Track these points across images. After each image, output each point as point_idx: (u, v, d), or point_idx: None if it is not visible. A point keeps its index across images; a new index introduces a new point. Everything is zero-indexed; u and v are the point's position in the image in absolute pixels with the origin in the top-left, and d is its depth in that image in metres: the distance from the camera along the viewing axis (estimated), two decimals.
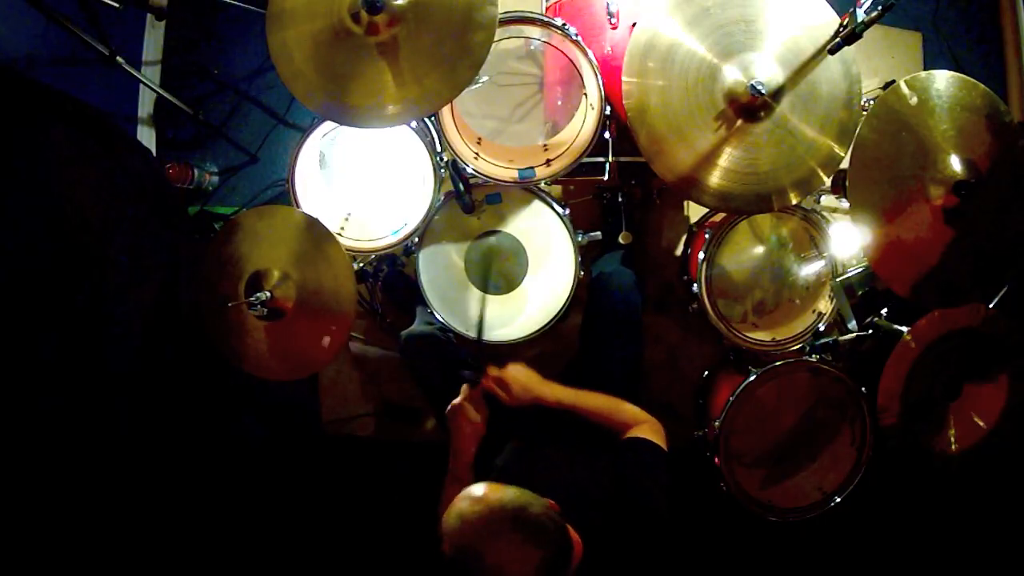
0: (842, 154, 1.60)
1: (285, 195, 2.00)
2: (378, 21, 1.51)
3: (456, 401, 1.67)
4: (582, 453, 1.60)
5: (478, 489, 1.23)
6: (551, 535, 1.18)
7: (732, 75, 1.55)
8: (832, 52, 1.50)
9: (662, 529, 1.43)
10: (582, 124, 1.94)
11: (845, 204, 1.90)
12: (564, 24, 1.79)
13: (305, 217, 1.77)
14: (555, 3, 2.04)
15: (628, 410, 1.65)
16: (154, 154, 2.66)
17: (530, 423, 1.79)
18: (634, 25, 1.69)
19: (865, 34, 1.43)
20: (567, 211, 2.00)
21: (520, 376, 1.67)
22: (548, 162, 1.95)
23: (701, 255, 1.96)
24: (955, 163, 1.58)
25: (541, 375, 1.70)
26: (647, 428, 1.59)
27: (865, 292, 1.91)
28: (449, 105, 1.93)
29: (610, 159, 1.93)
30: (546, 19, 1.80)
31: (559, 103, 2.16)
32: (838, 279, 1.91)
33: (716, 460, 1.92)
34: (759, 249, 2.06)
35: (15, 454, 1.71)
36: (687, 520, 2.27)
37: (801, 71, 1.56)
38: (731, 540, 2.35)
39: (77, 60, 2.52)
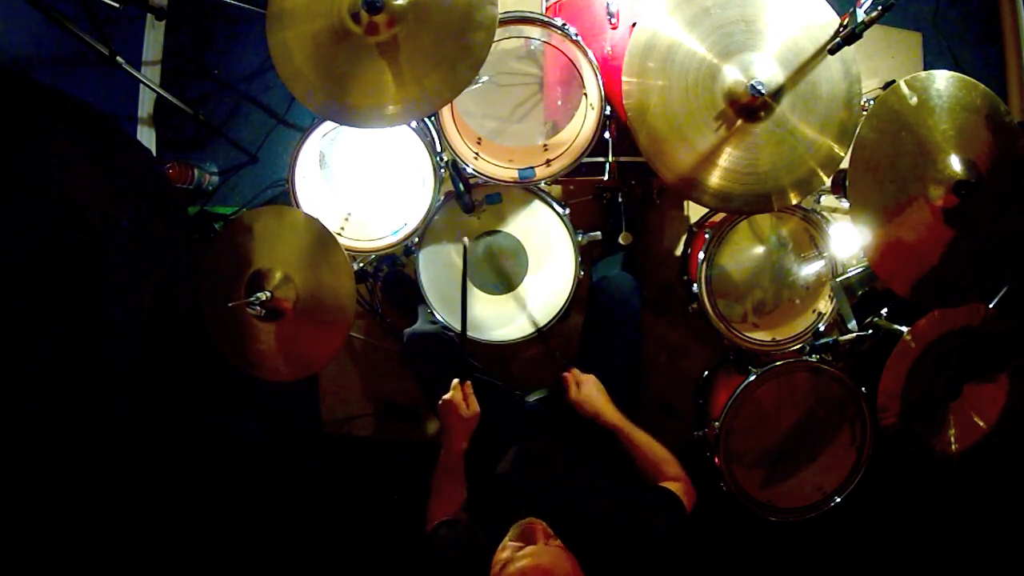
0: (842, 154, 1.60)
1: (285, 195, 2.01)
2: (378, 21, 1.51)
3: (447, 396, 1.69)
4: (582, 464, 1.61)
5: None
6: None
7: (732, 75, 1.55)
8: (832, 52, 1.50)
9: (656, 553, 1.43)
10: (582, 124, 1.94)
11: (845, 204, 1.90)
12: (564, 24, 1.79)
13: (305, 217, 1.77)
14: (555, 3, 2.04)
15: (672, 464, 1.65)
16: (154, 154, 2.66)
17: (531, 428, 1.80)
18: (634, 25, 1.69)
19: (865, 34, 1.43)
20: (567, 211, 2.00)
21: (596, 394, 1.75)
22: (548, 162, 1.95)
23: (701, 255, 1.96)
24: (955, 163, 1.58)
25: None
26: (680, 487, 1.59)
27: (865, 292, 1.91)
28: (449, 105, 1.93)
29: (610, 159, 1.93)
30: (546, 19, 1.80)
31: (559, 103, 2.16)
32: (838, 279, 1.90)
33: (716, 460, 1.92)
34: (759, 249, 2.06)
35: (14, 454, 1.71)
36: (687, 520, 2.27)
37: (801, 71, 1.56)
38: (731, 540, 2.35)
39: (77, 60, 2.53)
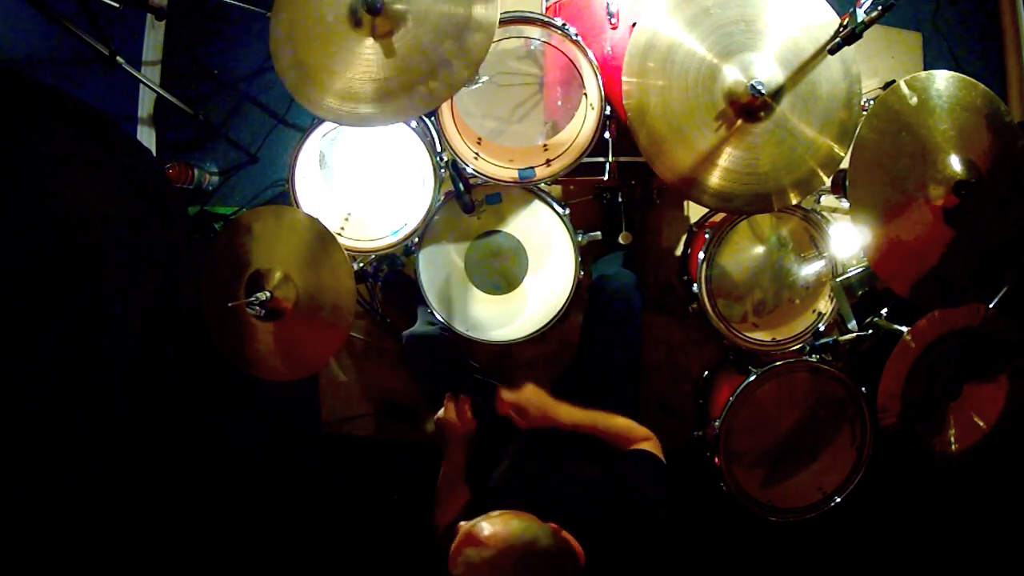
0: (842, 154, 1.60)
1: (285, 195, 2.00)
2: (378, 21, 1.52)
3: (439, 414, 1.70)
4: (580, 461, 1.61)
5: (484, 530, 1.22)
6: (559, 566, 1.21)
7: (732, 75, 1.55)
8: (832, 52, 1.50)
9: (661, 535, 1.44)
10: (582, 124, 1.93)
11: (845, 204, 1.90)
12: (564, 24, 1.80)
13: (305, 217, 1.77)
14: (555, 3, 2.04)
15: (636, 430, 1.67)
16: (154, 154, 2.66)
17: (527, 431, 1.79)
18: (634, 25, 1.69)
19: (865, 34, 1.43)
20: (567, 211, 2.00)
21: (535, 399, 1.68)
22: (548, 162, 1.95)
23: (701, 255, 1.96)
24: (955, 163, 1.58)
25: (546, 386, 1.72)
26: (650, 444, 1.63)
27: (865, 292, 1.91)
28: (449, 105, 1.93)
29: (610, 159, 1.93)
30: (546, 19, 1.80)
31: (559, 103, 2.15)
32: (838, 279, 1.91)
33: (716, 460, 1.92)
34: (759, 249, 2.06)
35: (14, 454, 1.71)
36: (687, 520, 2.27)
37: (801, 71, 1.56)
38: (731, 540, 2.35)
39: (77, 60, 2.52)
